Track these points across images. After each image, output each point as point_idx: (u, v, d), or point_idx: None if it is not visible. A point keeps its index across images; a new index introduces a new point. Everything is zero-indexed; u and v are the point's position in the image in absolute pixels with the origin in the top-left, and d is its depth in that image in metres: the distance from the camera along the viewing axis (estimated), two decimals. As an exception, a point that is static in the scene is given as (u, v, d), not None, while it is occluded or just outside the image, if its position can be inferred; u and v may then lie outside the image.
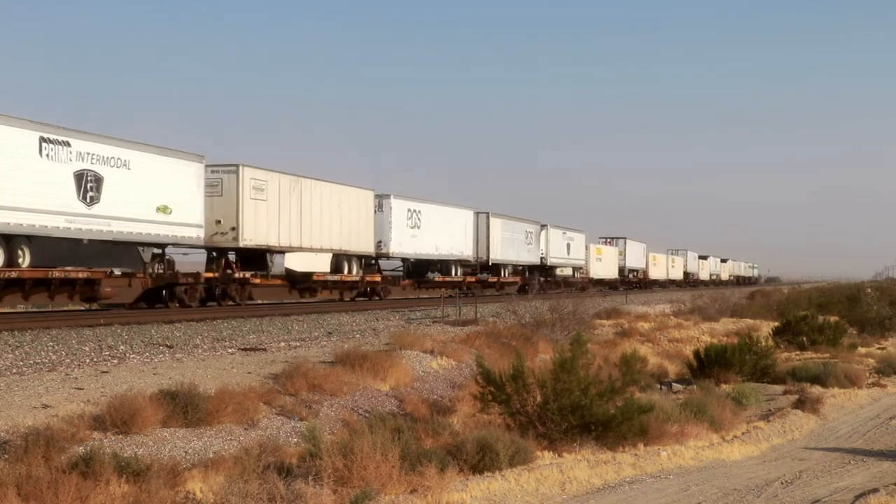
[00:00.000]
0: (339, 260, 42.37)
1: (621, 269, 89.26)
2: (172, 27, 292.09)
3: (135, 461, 10.75)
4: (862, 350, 33.14)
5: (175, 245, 32.55)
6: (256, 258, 36.95)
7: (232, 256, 36.42)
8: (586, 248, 78.10)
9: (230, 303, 35.39)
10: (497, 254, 59.39)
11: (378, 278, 47.21)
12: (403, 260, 50.56)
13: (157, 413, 13.03)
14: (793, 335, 33.18)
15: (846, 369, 25.67)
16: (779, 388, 23.79)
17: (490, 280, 59.68)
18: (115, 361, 17.76)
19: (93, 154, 27.66)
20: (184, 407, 13.49)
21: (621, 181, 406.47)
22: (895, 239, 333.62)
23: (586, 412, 15.24)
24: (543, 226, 68.30)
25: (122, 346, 20.10)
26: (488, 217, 58.59)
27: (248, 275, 36.54)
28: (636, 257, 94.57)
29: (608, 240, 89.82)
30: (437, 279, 53.43)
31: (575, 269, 76.08)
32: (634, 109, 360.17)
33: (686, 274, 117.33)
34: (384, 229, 46.42)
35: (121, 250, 29.69)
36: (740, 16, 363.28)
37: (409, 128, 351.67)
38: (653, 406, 16.37)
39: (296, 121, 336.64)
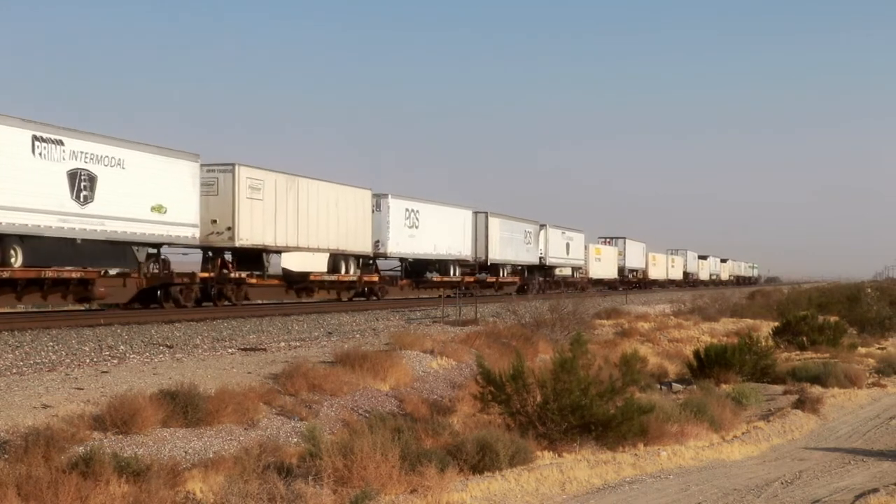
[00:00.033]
0: (336, 260, 42.21)
1: (621, 269, 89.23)
2: (172, 27, 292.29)
3: (135, 461, 10.75)
4: (862, 350, 33.13)
5: (170, 245, 32.39)
6: (253, 258, 36.79)
7: (228, 256, 36.24)
8: (585, 247, 78.05)
9: (226, 303, 35.21)
10: (496, 254, 59.28)
11: (375, 278, 47.04)
12: (401, 260, 50.41)
13: (157, 413, 13.03)
14: (793, 335, 33.18)
15: (846, 369, 25.67)
16: (779, 388, 23.79)
17: (488, 280, 59.54)
18: (115, 361, 17.76)
19: (86, 153, 27.51)
20: (184, 407, 13.48)
21: (621, 181, 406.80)
22: (895, 239, 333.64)
23: (586, 412, 15.24)
24: (542, 225, 68.19)
25: (122, 346, 20.10)
26: (487, 217, 58.46)
27: (244, 275, 36.37)
28: (636, 257, 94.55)
29: (607, 240, 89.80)
30: (435, 279, 53.30)
31: (574, 269, 76.03)
32: (634, 109, 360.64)
33: (686, 274, 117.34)
34: (382, 229, 46.26)
35: (115, 250, 29.56)
36: (740, 16, 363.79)
37: (409, 128, 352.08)
38: (653, 406, 16.36)
39: (296, 121, 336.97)
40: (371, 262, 46.63)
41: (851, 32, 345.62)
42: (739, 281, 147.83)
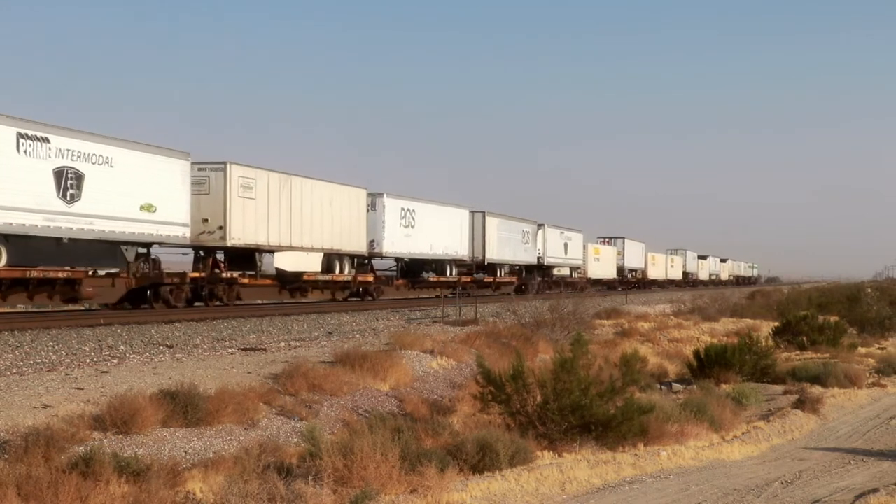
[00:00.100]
0: (330, 259, 41.71)
1: (620, 269, 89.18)
2: (172, 27, 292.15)
3: (135, 461, 10.75)
4: (862, 350, 33.14)
5: (160, 244, 31.90)
6: (245, 258, 36.36)
7: (220, 256, 35.82)
8: (584, 247, 77.90)
9: (217, 303, 34.74)
10: (493, 253, 58.96)
11: (370, 278, 46.52)
12: (397, 259, 49.99)
13: (157, 413, 13.03)
14: (793, 335, 33.18)
15: (846, 369, 25.67)
16: (779, 388, 23.79)
17: (486, 280, 59.20)
18: (115, 361, 17.76)
19: (73, 150, 26.98)
20: (184, 407, 13.48)
21: (621, 181, 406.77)
22: (895, 239, 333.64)
23: (586, 412, 15.24)
24: (540, 225, 67.93)
25: (122, 346, 20.10)
26: (484, 216, 58.09)
27: (236, 275, 35.96)
28: (635, 257, 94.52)
29: (606, 239, 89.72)
30: (431, 279, 52.95)
31: (572, 269, 75.83)
32: (634, 109, 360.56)
33: (685, 274, 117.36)
34: (377, 228, 45.81)
35: (103, 249, 28.96)
36: (740, 16, 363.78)
37: (409, 128, 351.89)
38: (653, 406, 16.36)
39: (296, 121, 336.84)
40: (366, 261, 46.13)
41: (851, 32, 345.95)
42: (739, 281, 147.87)
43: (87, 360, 17.63)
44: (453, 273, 54.92)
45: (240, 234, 34.87)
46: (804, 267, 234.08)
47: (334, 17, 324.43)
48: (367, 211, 44.79)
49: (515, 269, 64.33)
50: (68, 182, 26.81)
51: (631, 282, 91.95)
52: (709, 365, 25.02)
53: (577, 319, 30.82)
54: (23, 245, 26.00)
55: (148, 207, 30.05)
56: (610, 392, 15.59)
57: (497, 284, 60.62)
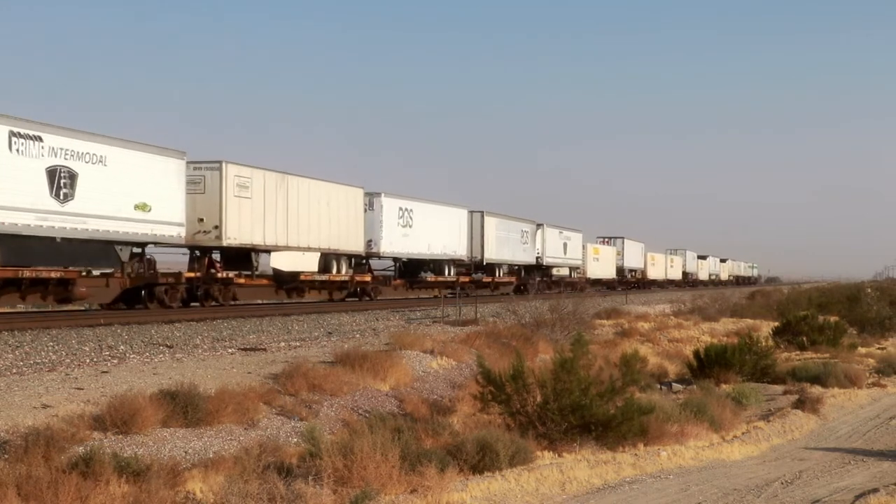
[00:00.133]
0: (327, 259, 41.50)
1: (619, 269, 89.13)
2: (172, 27, 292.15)
3: (135, 461, 10.75)
4: (862, 350, 33.14)
5: (155, 244, 31.60)
6: (241, 257, 36.15)
7: (216, 256, 35.59)
8: (583, 247, 77.80)
9: (213, 303, 34.49)
10: (492, 253, 58.79)
11: (368, 278, 46.26)
12: (395, 259, 49.75)
13: (157, 413, 13.03)
14: (793, 335, 33.18)
15: (846, 369, 25.67)
16: (779, 388, 23.79)
17: (484, 280, 59.03)
18: (115, 361, 17.76)
19: (66, 149, 26.72)
20: (184, 407, 13.48)
21: (621, 181, 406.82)
22: (895, 239, 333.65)
23: (586, 412, 15.24)
24: (539, 225, 67.80)
25: (122, 346, 20.10)
26: (482, 216, 57.89)
27: (231, 275, 35.72)
28: (634, 257, 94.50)
29: (606, 239, 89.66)
30: (429, 279, 52.77)
31: (572, 269, 75.69)
32: (634, 109, 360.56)
33: (685, 274, 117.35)
34: (374, 228, 45.58)
35: (97, 249, 28.72)
36: (740, 16, 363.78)
37: (409, 128, 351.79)
38: (653, 406, 16.37)
39: (296, 121, 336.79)
40: (364, 261, 45.94)
41: (851, 32, 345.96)
42: (739, 281, 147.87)
43: (87, 360, 17.63)
44: (451, 273, 54.74)
45: (236, 233, 34.64)
46: (804, 267, 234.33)
47: (334, 17, 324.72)
48: (365, 210, 44.57)
49: (514, 269, 64.21)
50: (61, 181, 26.57)
51: (630, 282, 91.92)
52: (709, 365, 25.02)
53: (577, 319, 30.82)
54: (15, 245, 25.69)
55: (142, 207, 29.82)
56: (610, 392, 15.59)
57: (495, 284, 60.46)
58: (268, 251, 37.19)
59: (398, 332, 25.78)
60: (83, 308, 32.15)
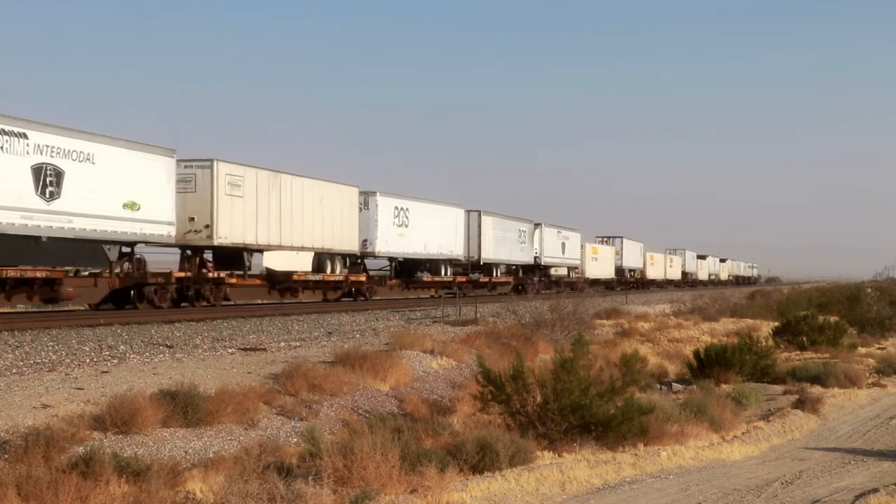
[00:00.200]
0: (321, 259, 41.10)
1: (618, 269, 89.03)
2: (172, 27, 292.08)
3: (135, 461, 10.75)
4: (862, 350, 33.15)
5: (145, 243, 31.19)
6: (233, 257, 35.75)
7: (208, 255, 35.22)
8: (582, 247, 77.65)
9: (204, 304, 34.14)
10: (489, 253, 58.53)
11: (363, 278, 45.89)
12: (391, 259, 49.38)
13: (157, 413, 13.03)
14: (793, 335, 33.19)
15: (846, 369, 25.68)
16: (779, 388, 23.80)
17: (481, 280, 58.79)
18: (115, 361, 17.76)
19: (52, 147, 26.25)
20: (184, 407, 13.48)
21: (621, 181, 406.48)
22: (895, 239, 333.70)
23: (586, 412, 15.24)
24: (537, 224, 67.58)
25: (122, 346, 20.10)
26: (480, 215, 57.58)
27: (223, 274, 35.34)
28: (633, 257, 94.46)
29: (605, 239, 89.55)
30: (426, 279, 52.50)
31: (570, 268, 75.48)
32: (634, 109, 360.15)
33: (684, 274, 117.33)
34: (370, 227, 45.25)
35: (84, 248, 28.26)
36: (740, 16, 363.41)
37: (409, 128, 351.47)
38: (653, 406, 16.37)
39: (295, 120, 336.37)
40: (359, 261, 45.59)
41: (851, 32, 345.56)
42: (739, 281, 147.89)
43: (87, 360, 17.63)
44: (448, 273, 54.46)
45: (227, 232, 34.27)
46: (804, 267, 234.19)
47: (334, 17, 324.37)
48: (360, 210, 44.22)
49: (512, 269, 63.98)
50: (47, 179, 26.14)
51: (629, 282, 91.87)
52: (709, 365, 25.03)
53: (577, 319, 30.82)
54: None
55: (131, 205, 29.41)
56: (610, 392, 15.59)
57: (493, 284, 60.23)
58: (260, 251, 36.80)
59: (398, 332, 25.78)
60: (83, 308, 32.12)
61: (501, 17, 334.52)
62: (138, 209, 29.69)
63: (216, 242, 33.91)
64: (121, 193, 29.02)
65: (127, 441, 12.25)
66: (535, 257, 67.30)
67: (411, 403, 17.62)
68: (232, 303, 37.22)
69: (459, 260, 55.78)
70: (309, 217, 39.55)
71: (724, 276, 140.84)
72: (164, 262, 35.02)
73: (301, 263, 39.32)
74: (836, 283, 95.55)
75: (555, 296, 40.94)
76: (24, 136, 25.46)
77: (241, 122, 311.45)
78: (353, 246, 43.44)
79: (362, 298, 45.84)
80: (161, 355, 19.08)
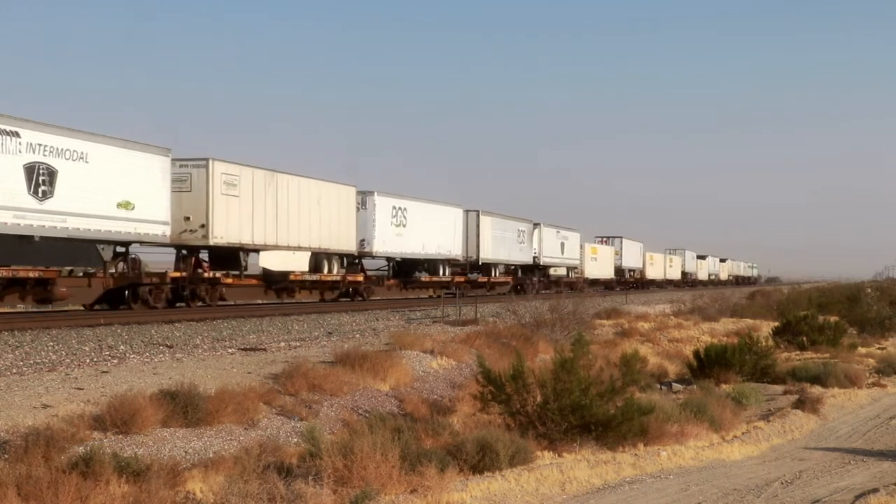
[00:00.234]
0: (318, 259, 40.87)
1: (618, 269, 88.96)
2: (172, 27, 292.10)
3: (135, 461, 10.75)
4: (862, 350, 33.16)
5: (140, 243, 30.97)
6: (229, 257, 35.51)
7: (204, 255, 35.03)
8: (581, 247, 77.53)
9: (199, 304, 33.99)
10: (487, 253, 58.35)
11: (360, 278, 45.67)
12: (388, 259, 49.26)
13: (157, 413, 13.03)
14: (793, 335, 33.20)
15: (846, 369, 25.68)
16: (779, 388, 23.80)
17: (480, 280, 58.59)
18: (115, 361, 17.76)
19: (45, 145, 25.97)
20: (184, 407, 13.48)
21: (621, 181, 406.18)
22: (895, 239, 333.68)
23: (586, 412, 15.24)
24: (536, 224, 67.40)
25: (122, 346, 20.10)
26: (478, 215, 57.43)
27: (219, 274, 35.15)
28: (633, 257, 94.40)
29: (604, 239, 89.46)
30: (424, 279, 52.33)
31: (569, 268, 75.34)
32: (634, 109, 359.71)
33: (684, 274, 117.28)
34: (367, 227, 45.00)
35: (78, 248, 28.06)
36: (740, 16, 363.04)
37: (409, 127, 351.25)
38: (653, 406, 16.38)
39: (295, 120, 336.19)
40: (356, 261, 45.32)
41: (851, 32, 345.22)
42: (739, 281, 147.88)
43: (87, 360, 17.63)
44: (446, 273, 54.29)
45: (223, 232, 34.02)
46: (804, 267, 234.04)
47: (334, 17, 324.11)
48: (358, 209, 43.98)
49: (510, 269, 63.84)
50: (40, 178, 25.89)
51: (629, 282, 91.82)
52: (709, 365, 25.03)
53: (577, 319, 30.82)
54: None
55: (125, 205, 29.14)
56: (610, 392, 15.59)
57: (491, 284, 60.09)
58: (256, 250, 36.58)
59: (398, 332, 25.78)
60: (83, 308, 32.10)
61: (501, 17, 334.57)
62: (133, 209, 29.48)
63: (212, 242, 33.71)
64: (115, 193, 28.81)
65: (127, 441, 12.25)
66: (534, 257, 67.18)
67: (411, 403, 17.63)
68: (230, 303, 37.19)
69: (458, 260, 55.61)
70: (306, 217, 39.35)
71: (723, 276, 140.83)
72: (161, 262, 34.99)
73: (298, 263, 39.14)
74: (836, 283, 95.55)
75: (554, 296, 40.88)
76: (17, 134, 25.24)
77: (241, 123, 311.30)
78: (350, 246, 43.24)
79: (359, 298, 45.67)
80: (161, 355, 19.08)
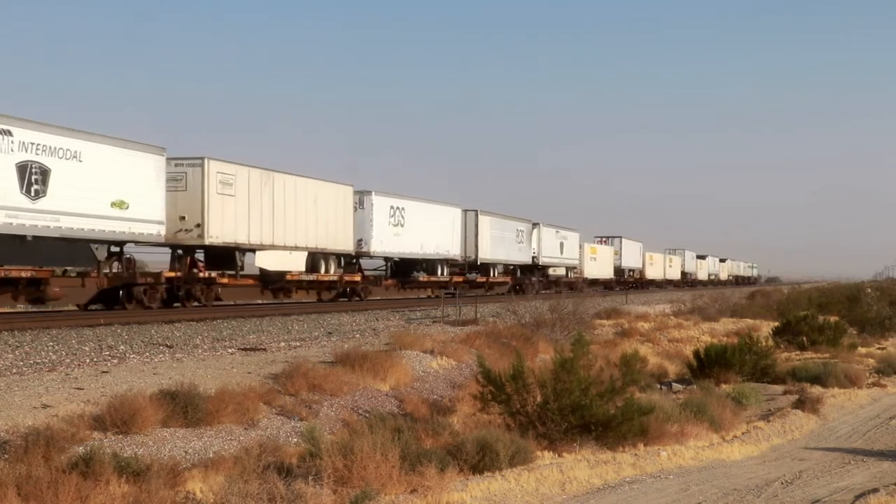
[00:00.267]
0: (315, 259, 40.72)
1: (617, 269, 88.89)
2: (172, 27, 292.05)
3: (135, 461, 10.75)
4: (862, 350, 33.17)
5: (135, 243, 30.76)
6: (224, 257, 35.29)
7: (199, 255, 34.84)
8: (580, 247, 77.43)
9: (195, 304, 33.82)
10: (486, 253, 58.16)
11: (358, 278, 45.39)
12: (386, 259, 49.07)
13: (157, 413, 13.03)
14: (793, 335, 33.20)
15: (846, 369, 25.69)
16: (779, 388, 23.80)
17: (478, 280, 58.40)
18: (115, 361, 17.76)
19: (38, 144, 25.75)
20: (184, 407, 13.48)
21: (621, 181, 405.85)
22: (895, 239, 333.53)
23: (586, 412, 15.24)
24: (535, 224, 67.22)
25: (122, 346, 20.10)
26: (477, 215, 57.27)
27: (214, 274, 34.96)
28: (632, 257, 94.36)
29: (603, 239, 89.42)
30: (422, 279, 52.17)
31: (568, 268, 75.19)
32: (634, 109, 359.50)
33: (684, 274, 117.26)
34: (365, 227, 44.78)
35: (71, 248, 27.84)
36: (740, 16, 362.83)
37: (409, 127, 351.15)
38: (653, 406, 16.37)
39: (295, 121, 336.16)
40: (353, 261, 45.15)
41: (851, 32, 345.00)
42: (739, 281, 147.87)
43: (87, 360, 17.63)
44: (445, 273, 54.13)
45: (218, 232, 33.83)
46: (804, 267, 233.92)
47: (334, 17, 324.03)
48: (355, 209, 43.81)
49: (509, 269, 63.71)
50: (33, 177, 25.67)
51: (628, 282, 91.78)
52: (709, 365, 25.04)
53: (577, 319, 30.82)
54: None
55: (120, 204, 28.94)
56: (610, 392, 15.60)
57: (490, 284, 59.93)
58: (253, 250, 36.37)
59: (398, 332, 25.78)
60: (77, 308, 32.07)
61: (501, 17, 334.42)
62: (127, 208, 29.28)
63: (207, 242, 33.52)
64: (109, 192, 28.60)
65: (127, 441, 12.25)
66: (533, 257, 67.06)
67: (411, 403, 17.63)
68: (228, 303, 37.08)
69: (456, 260, 55.43)
70: (302, 216, 39.14)
71: (723, 276, 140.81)
72: (157, 262, 34.87)
73: (294, 263, 38.96)
74: (836, 283, 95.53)
75: (554, 296, 40.84)
76: (9, 133, 25.06)
77: (241, 123, 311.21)
78: (347, 245, 43.06)
79: (357, 299, 45.46)
80: (161, 355, 19.08)
